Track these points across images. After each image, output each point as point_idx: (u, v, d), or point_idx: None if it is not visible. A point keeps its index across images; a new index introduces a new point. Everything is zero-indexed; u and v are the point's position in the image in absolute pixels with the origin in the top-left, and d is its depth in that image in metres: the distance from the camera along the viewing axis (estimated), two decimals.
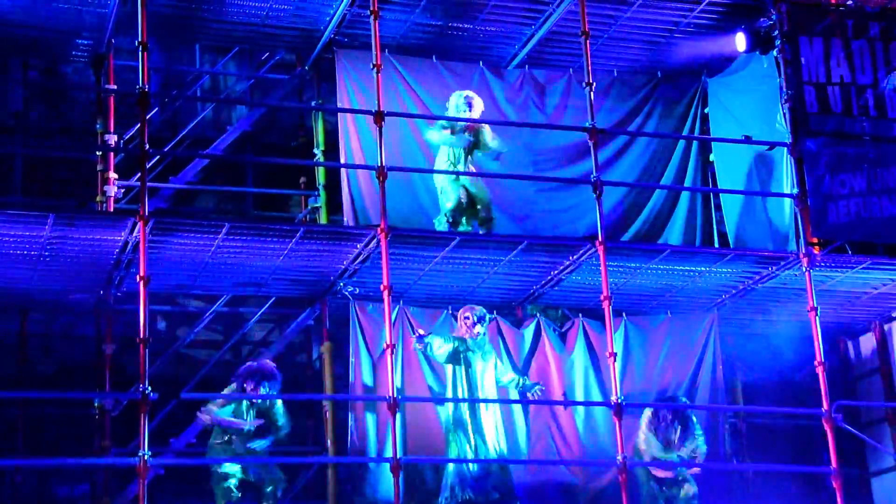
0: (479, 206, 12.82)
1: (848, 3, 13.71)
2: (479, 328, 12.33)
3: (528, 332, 13.18)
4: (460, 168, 12.73)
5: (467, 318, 12.38)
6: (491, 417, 12.26)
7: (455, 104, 12.78)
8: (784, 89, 12.88)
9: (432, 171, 12.79)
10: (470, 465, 12.07)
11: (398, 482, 10.86)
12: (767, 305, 13.54)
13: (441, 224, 12.73)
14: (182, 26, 12.96)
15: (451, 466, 12.13)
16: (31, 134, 13.58)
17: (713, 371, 13.47)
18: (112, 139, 12.60)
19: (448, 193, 12.70)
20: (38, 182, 13.29)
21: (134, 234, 10.85)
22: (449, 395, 12.30)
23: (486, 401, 12.20)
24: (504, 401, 12.49)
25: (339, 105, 13.18)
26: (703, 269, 12.76)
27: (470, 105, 12.69)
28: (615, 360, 11.85)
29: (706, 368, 13.40)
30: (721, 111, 14.16)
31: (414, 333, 12.49)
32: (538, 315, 13.35)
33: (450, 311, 12.85)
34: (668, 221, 14.07)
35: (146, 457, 10.09)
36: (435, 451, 12.37)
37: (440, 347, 12.21)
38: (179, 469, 11.96)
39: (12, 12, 12.27)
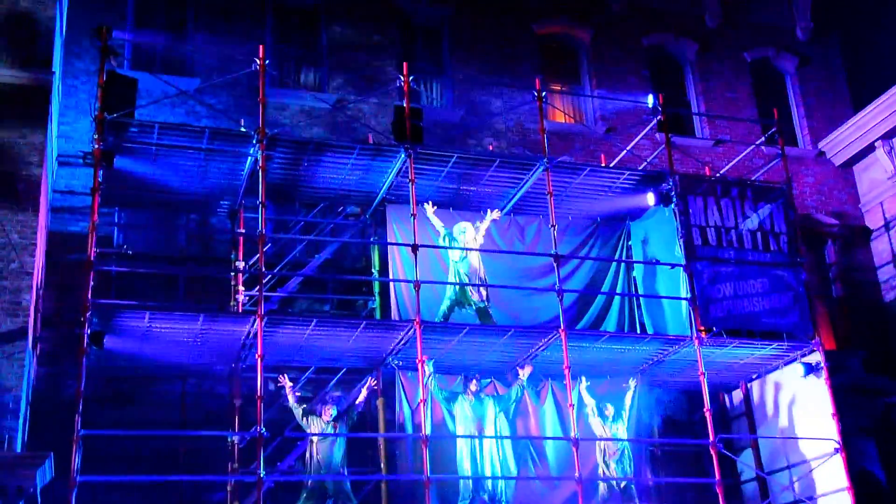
0: (473, 300, 12.55)
1: (717, 175, 14.10)
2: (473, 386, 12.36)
3: (514, 389, 12.91)
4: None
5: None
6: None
7: (457, 230, 12.80)
8: (679, 230, 13.05)
9: (449, 283, 12.62)
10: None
11: (428, 493, 10.93)
12: (674, 371, 13.54)
13: (445, 306, 12.49)
14: (286, 191, 13.09)
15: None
16: (190, 262, 13.44)
17: (638, 415, 13.33)
18: (241, 265, 12.58)
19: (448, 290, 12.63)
20: (193, 293, 13.15)
21: (254, 327, 11.11)
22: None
23: (485, 436, 12.13)
24: (501, 437, 12.32)
25: (389, 240, 13.16)
26: (629, 347, 12.90)
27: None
28: (573, 409, 12.03)
29: (633, 413, 13.18)
30: (638, 243, 14.23)
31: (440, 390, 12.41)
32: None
33: (462, 377, 12.70)
34: (607, 315, 13.96)
35: (262, 475, 10.39)
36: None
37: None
38: (283, 483, 11.82)
39: (181, 184, 12.47)
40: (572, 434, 11.91)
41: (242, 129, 11.97)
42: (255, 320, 11.07)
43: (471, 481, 12.00)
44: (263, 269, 11.36)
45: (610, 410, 12.84)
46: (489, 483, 12.07)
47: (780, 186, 13.93)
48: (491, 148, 14.93)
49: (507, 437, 12.56)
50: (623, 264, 14.18)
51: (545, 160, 12.82)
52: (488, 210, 13.05)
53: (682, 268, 12.99)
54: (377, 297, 13.36)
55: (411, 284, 11.88)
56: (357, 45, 15.76)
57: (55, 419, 10.99)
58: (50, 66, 10.96)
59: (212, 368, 12.53)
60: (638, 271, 14.21)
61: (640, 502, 12.70)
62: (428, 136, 12.76)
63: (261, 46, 12.23)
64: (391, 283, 13.03)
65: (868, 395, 15.16)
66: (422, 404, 11.58)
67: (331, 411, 11.98)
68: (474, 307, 12.62)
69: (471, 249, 12.80)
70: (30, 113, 10.61)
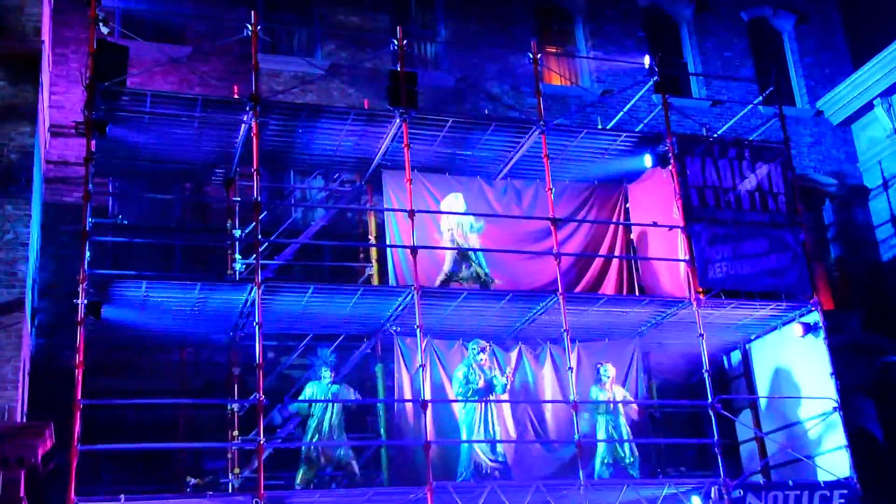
0: (475, 267, 12.63)
1: (714, 135, 13.99)
2: (483, 356, 12.41)
3: (513, 354, 13.15)
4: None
5: (473, 348, 12.45)
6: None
7: (448, 205, 12.85)
8: (677, 191, 13.00)
9: (448, 248, 12.67)
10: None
11: (429, 458, 10.94)
12: (672, 333, 13.53)
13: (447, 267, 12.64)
14: (281, 158, 13.04)
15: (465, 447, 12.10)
16: (186, 231, 13.46)
17: (637, 377, 13.46)
18: (237, 233, 12.54)
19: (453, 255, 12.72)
20: (190, 262, 13.12)
21: (251, 295, 11.13)
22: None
23: (482, 400, 12.14)
24: (499, 400, 12.39)
25: (385, 206, 13.10)
26: (628, 310, 12.92)
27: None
28: (572, 372, 12.08)
29: (632, 376, 13.40)
30: (636, 205, 14.18)
31: (439, 362, 12.54)
32: (520, 342, 13.24)
33: (461, 343, 12.72)
34: (605, 279, 13.93)
35: (262, 442, 10.42)
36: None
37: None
38: (283, 450, 11.84)
39: (175, 153, 12.45)
40: (571, 397, 11.92)
41: (235, 97, 11.87)
42: (252, 288, 11.06)
43: (473, 446, 12.03)
44: (260, 237, 11.32)
45: (612, 371, 12.88)
46: (488, 448, 12.12)
47: (778, 146, 13.89)
48: (487, 112, 14.79)
49: (506, 402, 12.59)
50: (620, 227, 14.14)
51: (541, 123, 12.75)
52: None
53: (679, 229, 12.94)
54: (375, 264, 13.35)
55: (409, 250, 11.83)
56: (350, 10, 15.56)
57: (55, 390, 10.99)
58: (39, 35, 10.83)
59: (210, 337, 12.50)
60: (637, 234, 14.12)
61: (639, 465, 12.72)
62: (423, 101, 12.65)
63: (252, 12, 12.09)
64: (389, 250, 13.00)
65: (866, 354, 15.21)
66: (421, 370, 11.56)
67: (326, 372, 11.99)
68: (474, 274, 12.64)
69: (466, 214, 12.77)
70: (20, 82, 10.49)
